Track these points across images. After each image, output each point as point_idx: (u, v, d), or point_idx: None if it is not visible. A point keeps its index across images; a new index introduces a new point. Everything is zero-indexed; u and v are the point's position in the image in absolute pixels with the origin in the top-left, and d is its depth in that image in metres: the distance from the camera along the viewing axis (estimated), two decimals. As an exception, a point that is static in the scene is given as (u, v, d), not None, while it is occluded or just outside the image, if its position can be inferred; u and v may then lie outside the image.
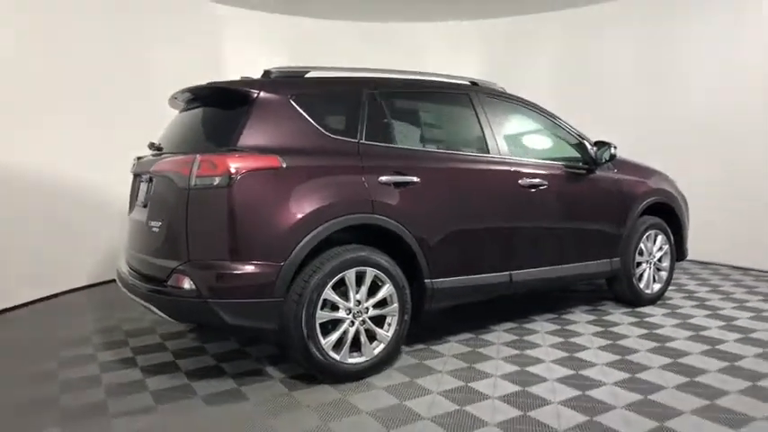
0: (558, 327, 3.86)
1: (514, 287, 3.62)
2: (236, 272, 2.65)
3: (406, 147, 3.31)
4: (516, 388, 2.83)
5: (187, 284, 2.66)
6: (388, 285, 3.02)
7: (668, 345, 3.46)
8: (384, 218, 2.99)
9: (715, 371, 3.03)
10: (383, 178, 3.03)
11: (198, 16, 6.28)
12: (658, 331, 3.75)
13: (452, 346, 3.47)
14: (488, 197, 3.48)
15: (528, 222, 3.64)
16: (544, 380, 2.93)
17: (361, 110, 3.16)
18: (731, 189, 5.86)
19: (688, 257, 4.78)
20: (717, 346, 3.41)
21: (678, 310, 4.27)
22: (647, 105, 6.44)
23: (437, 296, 3.25)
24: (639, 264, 4.35)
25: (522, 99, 3.98)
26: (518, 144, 3.82)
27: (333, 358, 2.86)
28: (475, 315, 4.08)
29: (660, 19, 6.37)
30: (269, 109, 2.89)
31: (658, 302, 4.48)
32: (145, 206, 3.12)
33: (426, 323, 3.81)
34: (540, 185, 3.68)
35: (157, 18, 5.82)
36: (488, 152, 3.56)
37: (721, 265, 6.03)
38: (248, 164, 2.69)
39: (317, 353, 2.80)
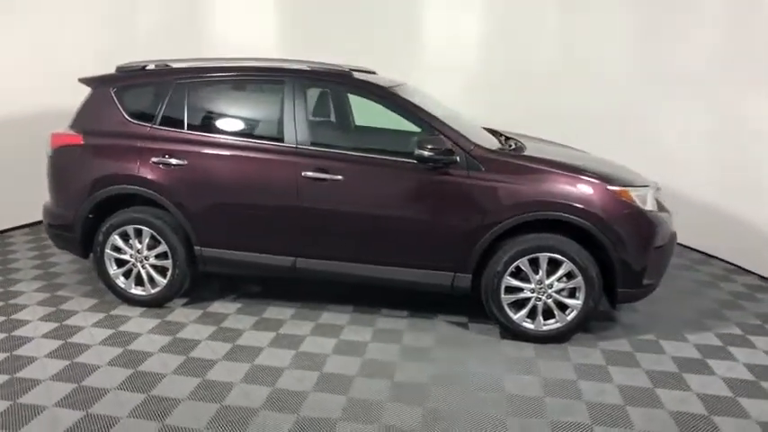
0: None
1: (301, 273, 3.73)
2: (54, 212, 3.99)
3: (187, 132, 3.74)
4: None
5: (44, 219, 4.16)
6: (162, 244, 3.80)
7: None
8: (145, 190, 3.71)
9: None
10: (154, 159, 3.70)
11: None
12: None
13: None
14: (258, 184, 3.64)
15: (314, 214, 3.59)
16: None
17: (163, 98, 3.79)
18: None
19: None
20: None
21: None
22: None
23: (207, 262, 3.81)
24: (520, 290, 3.51)
25: (375, 86, 3.70)
26: (329, 134, 3.63)
27: (120, 287, 3.91)
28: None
29: None
30: (97, 99, 3.91)
31: (553, 343, 3.53)
32: None
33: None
34: (332, 179, 3.51)
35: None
36: (282, 140, 3.62)
37: None
38: (61, 140, 3.87)
39: (106, 279, 3.91)
